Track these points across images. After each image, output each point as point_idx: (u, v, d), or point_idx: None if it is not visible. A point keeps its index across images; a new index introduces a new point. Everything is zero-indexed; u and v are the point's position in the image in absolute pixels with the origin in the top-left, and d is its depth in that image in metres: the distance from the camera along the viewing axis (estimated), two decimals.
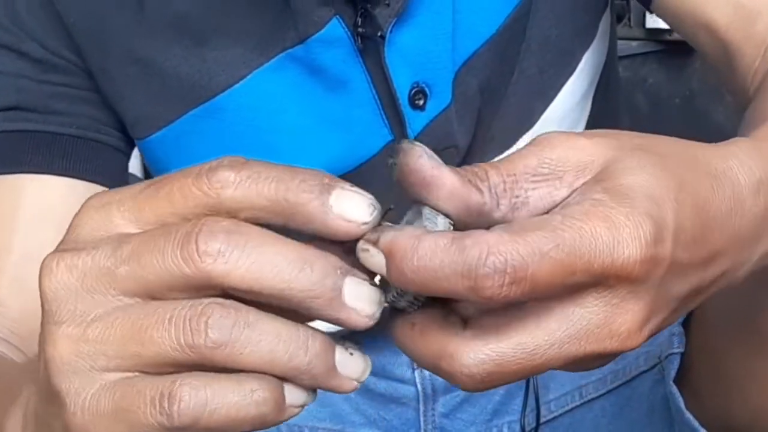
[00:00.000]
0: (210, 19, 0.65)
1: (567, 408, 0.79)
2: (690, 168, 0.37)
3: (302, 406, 0.36)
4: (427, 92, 0.67)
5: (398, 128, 0.68)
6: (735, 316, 0.61)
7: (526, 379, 0.78)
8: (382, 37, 0.64)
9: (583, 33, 0.73)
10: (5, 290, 0.65)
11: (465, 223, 0.35)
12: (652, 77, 1.71)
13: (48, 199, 0.67)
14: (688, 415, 0.64)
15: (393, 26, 0.63)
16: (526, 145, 0.37)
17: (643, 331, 0.35)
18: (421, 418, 0.81)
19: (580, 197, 0.35)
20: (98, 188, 0.68)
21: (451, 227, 0.36)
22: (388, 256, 0.34)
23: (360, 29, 0.63)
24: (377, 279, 0.36)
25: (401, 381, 0.80)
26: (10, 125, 0.67)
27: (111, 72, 0.67)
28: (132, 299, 0.34)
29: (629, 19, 1.64)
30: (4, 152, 0.67)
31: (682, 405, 0.64)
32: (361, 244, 0.35)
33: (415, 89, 0.67)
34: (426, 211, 0.35)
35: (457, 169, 0.36)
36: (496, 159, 0.37)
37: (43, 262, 0.35)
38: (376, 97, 0.67)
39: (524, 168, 0.36)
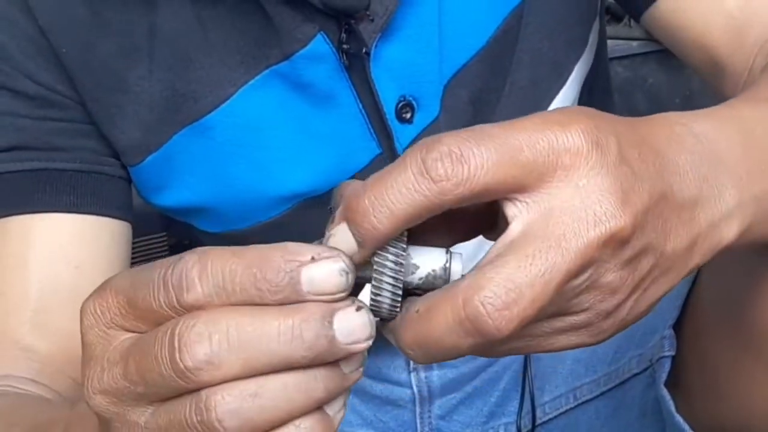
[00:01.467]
0: (194, 38, 0.65)
1: (562, 410, 0.80)
2: (610, 117, 0.38)
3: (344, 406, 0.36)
4: (415, 105, 0.67)
5: (386, 142, 0.67)
6: (725, 319, 0.61)
7: (523, 377, 0.79)
8: (367, 53, 0.63)
9: (574, 44, 0.72)
10: (29, 337, 0.65)
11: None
12: (652, 77, 1.70)
13: (58, 237, 0.66)
14: (678, 418, 0.64)
15: (378, 41, 0.63)
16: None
17: (630, 203, 0.36)
18: (418, 420, 0.81)
19: None
20: (106, 222, 0.68)
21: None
22: (348, 211, 0.35)
23: (344, 45, 0.63)
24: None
25: (397, 384, 0.81)
26: (14, 165, 0.66)
27: (102, 101, 0.67)
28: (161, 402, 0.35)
29: (629, 19, 1.63)
30: (11, 193, 0.66)
31: (672, 408, 0.65)
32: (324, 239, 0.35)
33: (402, 103, 0.66)
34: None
35: None
36: None
37: (85, 397, 0.36)
38: (363, 111, 0.66)
39: None
